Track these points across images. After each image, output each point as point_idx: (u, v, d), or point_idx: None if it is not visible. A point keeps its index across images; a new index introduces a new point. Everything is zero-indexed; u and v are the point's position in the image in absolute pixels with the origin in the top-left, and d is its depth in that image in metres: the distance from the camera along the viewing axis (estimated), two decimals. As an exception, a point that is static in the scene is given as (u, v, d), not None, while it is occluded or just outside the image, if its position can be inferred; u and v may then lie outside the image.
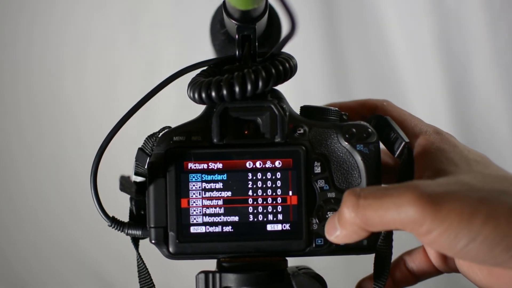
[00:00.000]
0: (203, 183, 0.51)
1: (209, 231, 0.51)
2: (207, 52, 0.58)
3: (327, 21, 1.17)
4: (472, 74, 1.17)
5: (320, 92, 1.15)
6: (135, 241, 0.53)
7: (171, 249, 0.51)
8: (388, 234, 0.51)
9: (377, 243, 0.51)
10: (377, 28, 1.18)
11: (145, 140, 0.52)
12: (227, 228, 0.51)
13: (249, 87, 0.49)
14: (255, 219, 0.51)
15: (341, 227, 0.47)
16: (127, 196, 0.53)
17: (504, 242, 0.43)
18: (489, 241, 0.43)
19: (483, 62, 1.17)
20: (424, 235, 0.44)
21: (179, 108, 0.98)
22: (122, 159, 0.66)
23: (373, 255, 0.52)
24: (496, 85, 1.17)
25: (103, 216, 0.52)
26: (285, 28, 0.52)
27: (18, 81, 1.17)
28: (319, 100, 0.76)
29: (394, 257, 0.54)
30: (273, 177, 0.51)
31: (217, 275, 0.51)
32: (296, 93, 1.05)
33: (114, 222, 0.52)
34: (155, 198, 0.51)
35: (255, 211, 0.51)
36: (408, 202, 0.43)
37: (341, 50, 1.18)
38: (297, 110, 0.53)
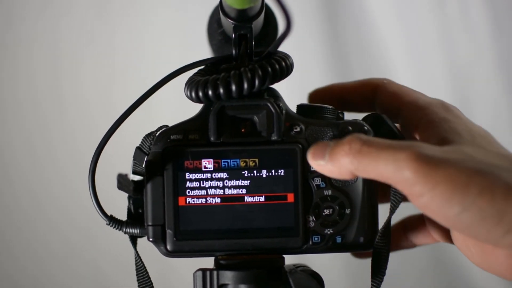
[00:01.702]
0: (200, 181, 0.51)
1: (207, 229, 0.51)
2: (205, 52, 0.58)
3: (327, 20, 1.17)
4: (476, 76, 1.17)
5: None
6: (133, 239, 0.54)
7: (168, 247, 0.51)
8: (386, 232, 0.51)
9: (374, 240, 0.52)
10: (379, 28, 1.18)
11: (142, 139, 0.52)
12: (224, 226, 0.51)
13: (245, 85, 0.49)
14: (252, 217, 0.51)
15: (331, 160, 0.47)
16: (125, 196, 0.53)
17: (499, 217, 0.42)
18: (483, 213, 0.43)
19: (486, 64, 1.17)
20: (416, 198, 0.44)
21: (177, 107, 0.98)
22: (120, 159, 0.67)
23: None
24: (500, 87, 1.17)
25: (101, 214, 0.52)
26: (282, 27, 0.53)
27: (12, 81, 1.17)
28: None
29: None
30: (270, 174, 0.51)
31: (215, 272, 0.51)
32: (293, 92, 1.05)
33: (112, 220, 0.52)
34: (152, 196, 0.51)
35: (252, 208, 0.51)
36: (405, 159, 0.44)
37: (341, 50, 1.18)
38: (294, 109, 0.54)
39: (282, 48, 0.52)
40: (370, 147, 0.45)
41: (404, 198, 0.50)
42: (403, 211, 0.60)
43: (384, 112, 0.55)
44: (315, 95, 0.59)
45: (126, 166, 0.54)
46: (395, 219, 0.53)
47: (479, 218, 0.43)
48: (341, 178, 0.49)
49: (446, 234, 0.54)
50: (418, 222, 0.57)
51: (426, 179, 0.43)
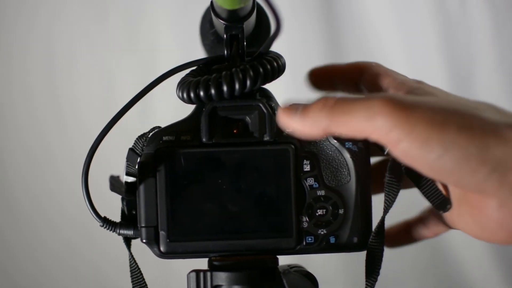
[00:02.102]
0: (193, 182, 0.51)
1: (200, 230, 0.51)
2: (198, 52, 0.58)
3: (323, 19, 1.17)
4: (476, 76, 1.17)
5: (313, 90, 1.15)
6: (127, 241, 0.54)
7: (162, 249, 0.51)
8: (380, 232, 0.51)
9: (368, 241, 0.51)
10: (378, 28, 1.18)
11: (135, 141, 0.52)
12: (218, 227, 0.51)
13: (237, 86, 0.49)
14: (245, 218, 0.51)
15: (303, 115, 0.47)
16: (119, 197, 0.53)
17: (481, 154, 0.42)
18: (464, 151, 0.42)
19: (486, 64, 1.17)
20: (395, 145, 0.43)
21: (169, 108, 0.98)
22: (116, 160, 0.67)
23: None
24: (500, 88, 1.17)
25: (94, 216, 0.52)
26: (274, 27, 0.53)
27: (8, 81, 1.17)
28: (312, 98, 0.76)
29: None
30: (262, 175, 0.51)
31: (208, 274, 0.51)
32: (287, 91, 1.05)
33: (106, 222, 0.52)
34: (145, 198, 0.51)
35: (245, 209, 0.51)
36: (378, 105, 0.43)
37: (337, 50, 1.18)
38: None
39: (277, 47, 0.52)
40: (344, 102, 0.45)
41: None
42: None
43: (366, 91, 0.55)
44: (314, 74, 0.59)
45: (120, 167, 0.54)
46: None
47: (461, 158, 0.42)
48: (311, 135, 0.47)
49: (444, 222, 0.54)
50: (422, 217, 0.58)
51: (402, 123, 0.42)
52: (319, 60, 1.17)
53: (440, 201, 0.50)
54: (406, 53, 1.19)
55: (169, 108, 1.05)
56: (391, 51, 1.18)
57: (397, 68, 1.19)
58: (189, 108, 0.53)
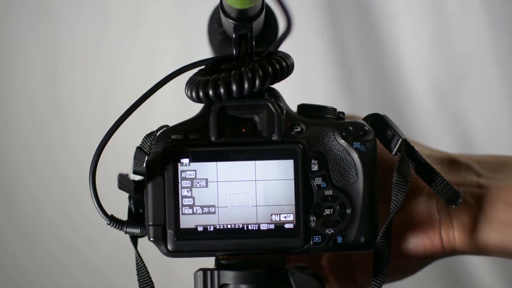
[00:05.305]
0: (200, 181, 0.51)
1: (207, 229, 0.51)
2: (206, 52, 0.58)
3: (328, 19, 1.17)
4: (474, 74, 1.17)
5: (320, 90, 1.16)
6: (134, 239, 0.54)
7: (169, 247, 0.51)
8: (388, 232, 0.51)
9: (375, 240, 0.51)
10: (378, 27, 1.18)
11: (143, 139, 0.52)
12: (225, 226, 0.51)
13: (246, 85, 0.49)
14: (253, 217, 0.51)
15: None
16: (124, 197, 0.53)
17: None
18: None
19: (485, 64, 1.17)
20: None
21: (177, 107, 0.98)
22: (118, 160, 0.67)
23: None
24: (497, 88, 1.17)
25: (102, 214, 0.52)
26: (282, 27, 0.53)
27: (9, 81, 1.17)
28: (318, 98, 0.76)
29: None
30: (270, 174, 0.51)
31: (215, 272, 0.51)
32: (294, 92, 1.05)
33: (113, 220, 0.52)
34: (153, 196, 0.51)
35: (253, 208, 0.51)
36: None
37: (342, 48, 1.18)
38: (295, 109, 0.54)
39: (283, 48, 0.52)
40: None
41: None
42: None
43: None
44: None
45: (126, 168, 0.54)
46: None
47: None
48: None
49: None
50: None
51: None
52: (321, 60, 1.17)
53: (451, 196, 0.51)
54: (407, 50, 1.19)
55: (162, 106, 1.06)
56: (392, 50, 1.18)
57: (397, 65, 1.19)
58: (190, 106, 0.53)
